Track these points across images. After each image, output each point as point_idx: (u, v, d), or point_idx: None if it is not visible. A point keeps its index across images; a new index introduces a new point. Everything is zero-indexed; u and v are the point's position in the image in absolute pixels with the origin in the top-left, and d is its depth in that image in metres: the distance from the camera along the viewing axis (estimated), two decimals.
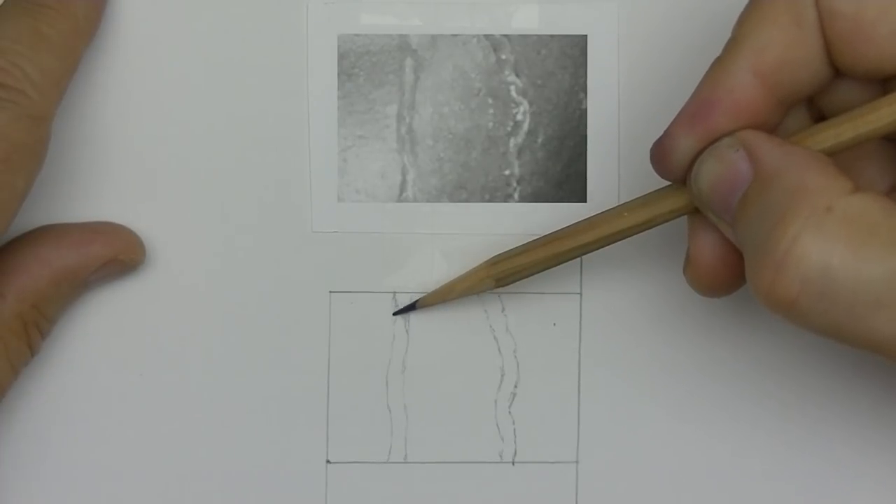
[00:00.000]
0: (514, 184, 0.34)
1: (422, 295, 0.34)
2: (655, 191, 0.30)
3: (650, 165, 0.30)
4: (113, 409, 0.34)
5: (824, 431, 0.34)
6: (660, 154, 0.29)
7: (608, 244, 0.31)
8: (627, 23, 0.34)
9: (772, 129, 0.29)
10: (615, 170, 0.34)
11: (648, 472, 0.34)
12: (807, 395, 0.35)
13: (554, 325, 0.34)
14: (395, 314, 0.34)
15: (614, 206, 0.31)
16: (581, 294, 0.34)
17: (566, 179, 0.34)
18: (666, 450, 0.34)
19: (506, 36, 0.34)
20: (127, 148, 0.34)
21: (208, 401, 0.34)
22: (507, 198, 0.34)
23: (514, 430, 0.34)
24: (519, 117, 0.34)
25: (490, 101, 0.35)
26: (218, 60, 0.34)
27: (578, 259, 0.33)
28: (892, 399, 0.34)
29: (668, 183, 0.30)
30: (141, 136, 0.34)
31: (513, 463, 0.35)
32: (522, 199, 0.34)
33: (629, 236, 0.31)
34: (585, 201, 0.34)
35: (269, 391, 0.34)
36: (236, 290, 0.34)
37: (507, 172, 0.35)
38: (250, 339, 0.34)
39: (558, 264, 0.32)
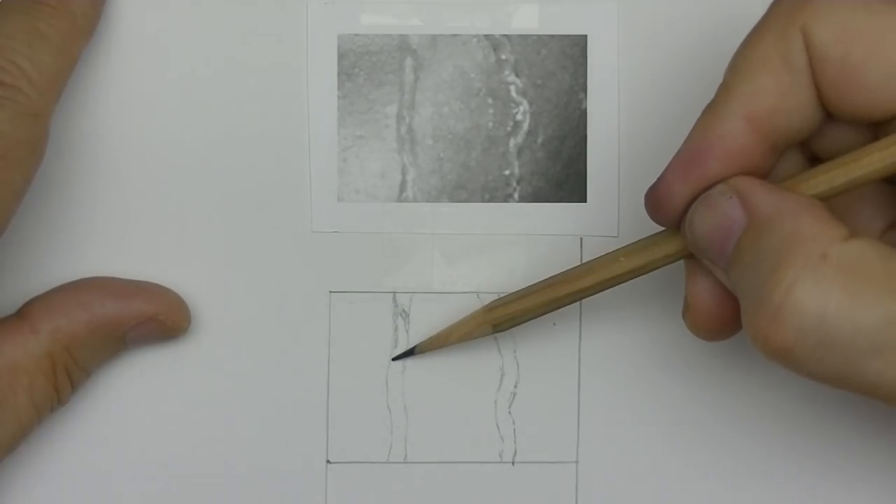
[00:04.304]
0: (514, 184, 0.34)
1: (422, 293, 0.34)
2: (651, 235, 0.30)
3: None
4: (112, 408, 0.34)
5: (821, 431, 0.35)
6: (654, 201, 0.29)
7: (605, 289, 0.31)
8: (627, 23, 0.34)
9: (765, 173, 0.28)
10: (615, 170, 0.34)
11: (648, 472, 0.34)
12: (803, 397, 0.35)
13: (554, 324, 0.34)
14: (393, 359, 0.34)
15: (610, 251, 0.31)
16: None
17: (566, 179, 0.34)
18: (665, 450, 0.34)
19: (506, 36, 0.34)
20: (125, 147, 0.34)
21: (208, 401, 0.34)
22: (507, 198, 0.34)
23: (514, 430, 0.34)
24: (519, 117, 0.35)
25: (490, 101, 0.35)
26: (218, 60, 0.34)
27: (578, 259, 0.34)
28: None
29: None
30: (140, 136, 0.34)
31: (513, 463, 0.34)
32: (522, 199, 0.34)
33: (626, 281, 0.30)
34: (585, 201, 0.34)
35: (270, 391, 0.34)
36: (236, 290, 0.34)
37: (507, 172, 0.34)
38: (250, 339, 0.34)
39: (556, 310, 0.32)
